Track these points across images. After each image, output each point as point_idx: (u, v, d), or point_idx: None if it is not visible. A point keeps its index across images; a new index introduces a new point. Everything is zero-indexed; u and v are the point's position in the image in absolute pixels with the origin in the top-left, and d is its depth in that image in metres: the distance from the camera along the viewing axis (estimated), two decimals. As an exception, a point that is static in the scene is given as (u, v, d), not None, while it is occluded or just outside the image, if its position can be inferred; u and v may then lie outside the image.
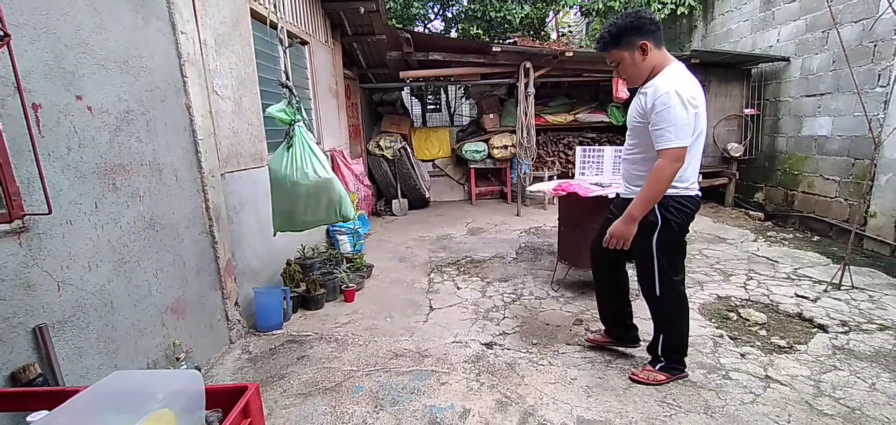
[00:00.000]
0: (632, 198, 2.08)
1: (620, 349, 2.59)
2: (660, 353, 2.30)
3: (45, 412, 1.02)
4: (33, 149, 1.58)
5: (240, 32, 3.20)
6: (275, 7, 2.92)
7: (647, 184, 1.94)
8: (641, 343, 2.53)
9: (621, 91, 6.39)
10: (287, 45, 2.75)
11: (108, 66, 1.98)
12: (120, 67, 2.05)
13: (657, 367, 2.30)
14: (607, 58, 2.09)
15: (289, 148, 2.61)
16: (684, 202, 2.03)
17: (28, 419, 1.03)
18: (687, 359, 2.34)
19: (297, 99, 2.72)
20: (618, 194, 2.35)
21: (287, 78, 2.72)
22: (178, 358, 2.21)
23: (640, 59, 1.98)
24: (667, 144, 1.88)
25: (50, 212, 1.63)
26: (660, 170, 1.90)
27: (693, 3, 7.21)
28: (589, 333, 2.77)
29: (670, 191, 1.99)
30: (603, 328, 2.63)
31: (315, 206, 2.69)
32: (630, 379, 2.32)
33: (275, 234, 2.90)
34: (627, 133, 2.21)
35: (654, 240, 2.08)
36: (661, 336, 2.28)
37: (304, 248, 3.87)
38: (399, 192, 6.99)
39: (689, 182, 2.04)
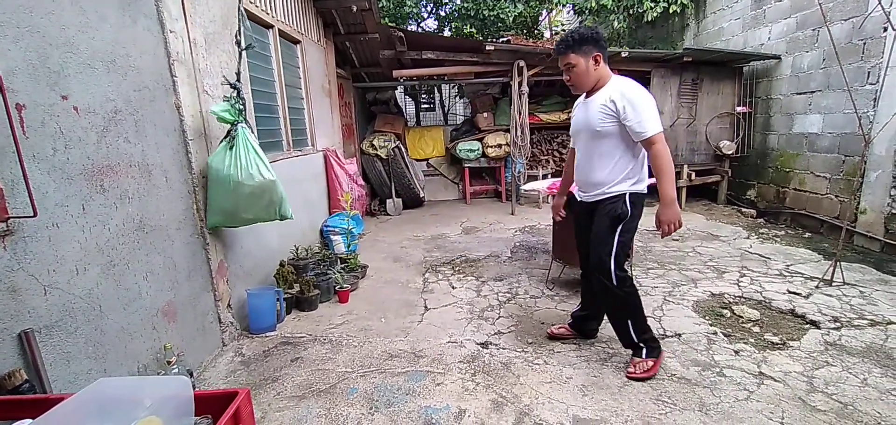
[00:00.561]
0: (595, 203, 2.31)
1: (617, 348, 2.59)
2: (637, 342, 2.36)
3: (29, 421, 1.00)
4: (17, 150, 1.54)
5: (230, 31, 3.16)
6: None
7: (662, 169, 2.11)
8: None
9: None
10: (245, 46, 2.76)
11: (94, 66, 1.94)
12: (107, 67, 2.01)
13: (643, 356, 2.35)
14: (563, 60, 2.25)
15: (231, 148, 2.60)
16: (643, 196, 2.30)
17: (11, 428, 1.00)
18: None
19: (243, 100, 2.73)
20: (578, 199, 2.46)
21: (238, 78, 2.74)
22: (169, 362, 2.18)
23: (592, 68, 2.21)
24: (655, 130, 2.11)
25: (35, 215, 1.60)
26: (662, 154, 2.10)
27: (685, 2, 7.24)
28: (550, 329, 2.82)
29: (638, 188, 2.26)
30: (568, 321, 2.79)
31: (256, 205, 2.72)
32: (628, 377, 2.32)
33: (209, 230, 2.89)
34: (587, 139, 2.31)
35: (619, 229, 2.26)
36: (630, 323, 2.35)
37: (297, 249, 3.84)
38: (393, 192, 6.97)
39: (646, 180, 2.32)
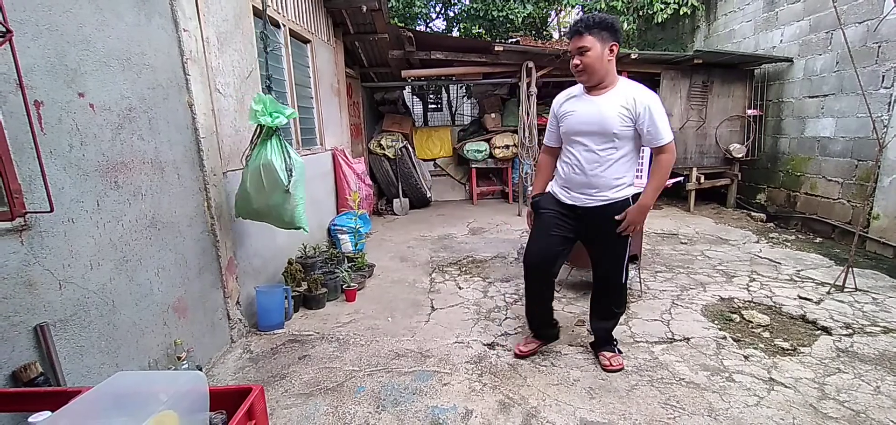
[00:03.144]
0: (597, 208, 2.22)
1: (624, 352, 2.58)
2: (614, 338, 2.53)
3: (47, 413, 1.01)
4: (35, 146, 1.56)
5: (242, 30, 3.19)
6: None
7: (659, 175, 2.14)
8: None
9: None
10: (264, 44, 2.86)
11: (110, 64, 1.97)
12: (122, 64, 2.04)
13: (616, 352, 2.49)
14: (578, 41, 2.04)
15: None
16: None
17: (30, 420, 1.02)
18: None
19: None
20: (568, 202, 2.31)
21: (269, 80, 2.88)
22: (179, 358, 2.20)
23: (607, 57, 2.08)
24: (668, 138, 2.10)
25: (52, 210, 1.62)
26: (668, 162, 2.12)
27: (696, 3, 7.19)
28: (519, 347, 2.60)
29: (636, 191, 2.26)
30: (529, 334, 2.64)
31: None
32: (607, 371, 2.41)
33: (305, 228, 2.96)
34: (597, 141, 2.15)
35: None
36: (617, 320, 2.50)
37: (305, 247, 3.86)
38: (400, 192, 6.98)
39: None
